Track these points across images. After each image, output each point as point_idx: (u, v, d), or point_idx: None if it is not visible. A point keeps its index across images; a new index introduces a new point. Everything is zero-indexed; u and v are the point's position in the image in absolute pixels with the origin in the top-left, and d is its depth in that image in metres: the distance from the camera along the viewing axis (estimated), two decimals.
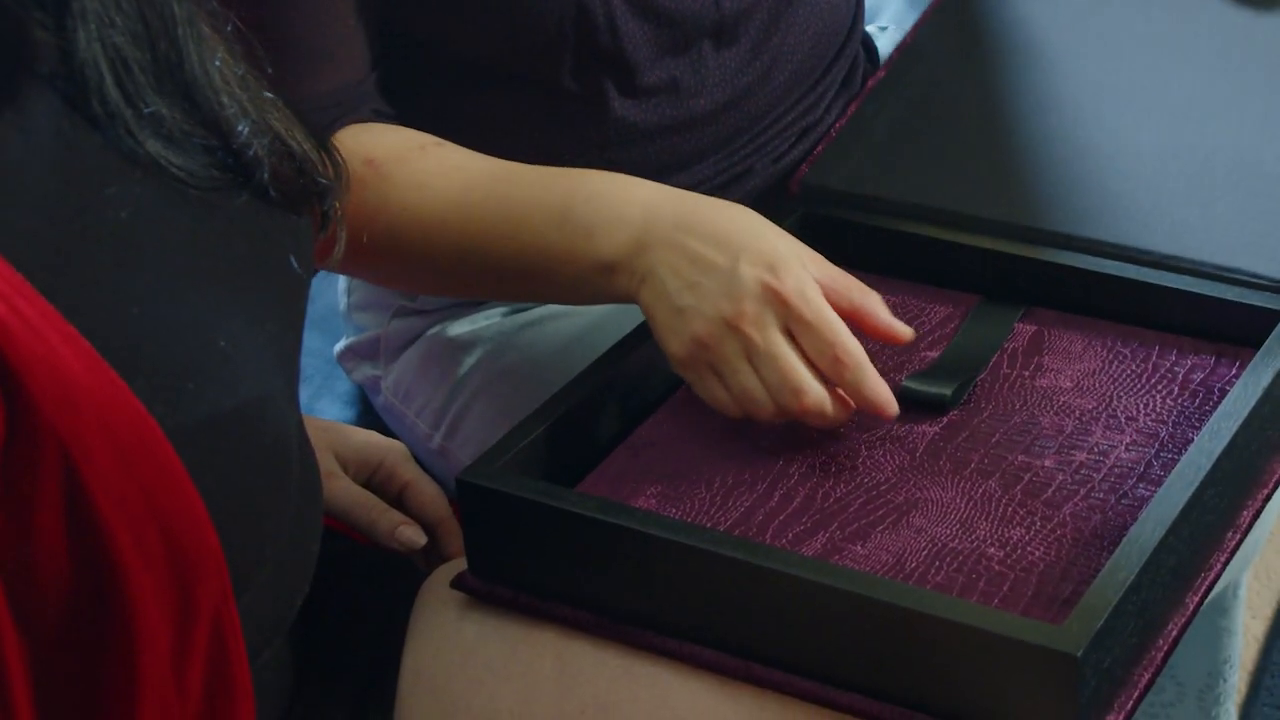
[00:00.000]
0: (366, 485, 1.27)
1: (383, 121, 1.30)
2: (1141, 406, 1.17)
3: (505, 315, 1.46)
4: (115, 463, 0.76)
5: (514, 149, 1.29)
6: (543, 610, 1.09)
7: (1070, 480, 1.11)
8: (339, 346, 1.56)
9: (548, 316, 1.44)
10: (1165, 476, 1.09)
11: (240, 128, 0.89)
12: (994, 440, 1.15)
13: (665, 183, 1.24)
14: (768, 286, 1.13)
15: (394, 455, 1.27)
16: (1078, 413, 1.17)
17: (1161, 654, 1.02)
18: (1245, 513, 1.12)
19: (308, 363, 1.62)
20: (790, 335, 1.13)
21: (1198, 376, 1.19)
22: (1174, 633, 1.04)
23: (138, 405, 0.77)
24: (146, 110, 0.85)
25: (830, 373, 1.13)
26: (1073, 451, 1.14)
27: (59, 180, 0.82)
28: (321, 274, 1.65)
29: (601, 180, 1.22)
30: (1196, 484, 1.04)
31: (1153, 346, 1.22)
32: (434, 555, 1.26)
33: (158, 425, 0.78)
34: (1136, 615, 1.00)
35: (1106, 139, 1.37)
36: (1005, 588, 1.04)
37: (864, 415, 1.16)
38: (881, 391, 1.13)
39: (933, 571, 1.05)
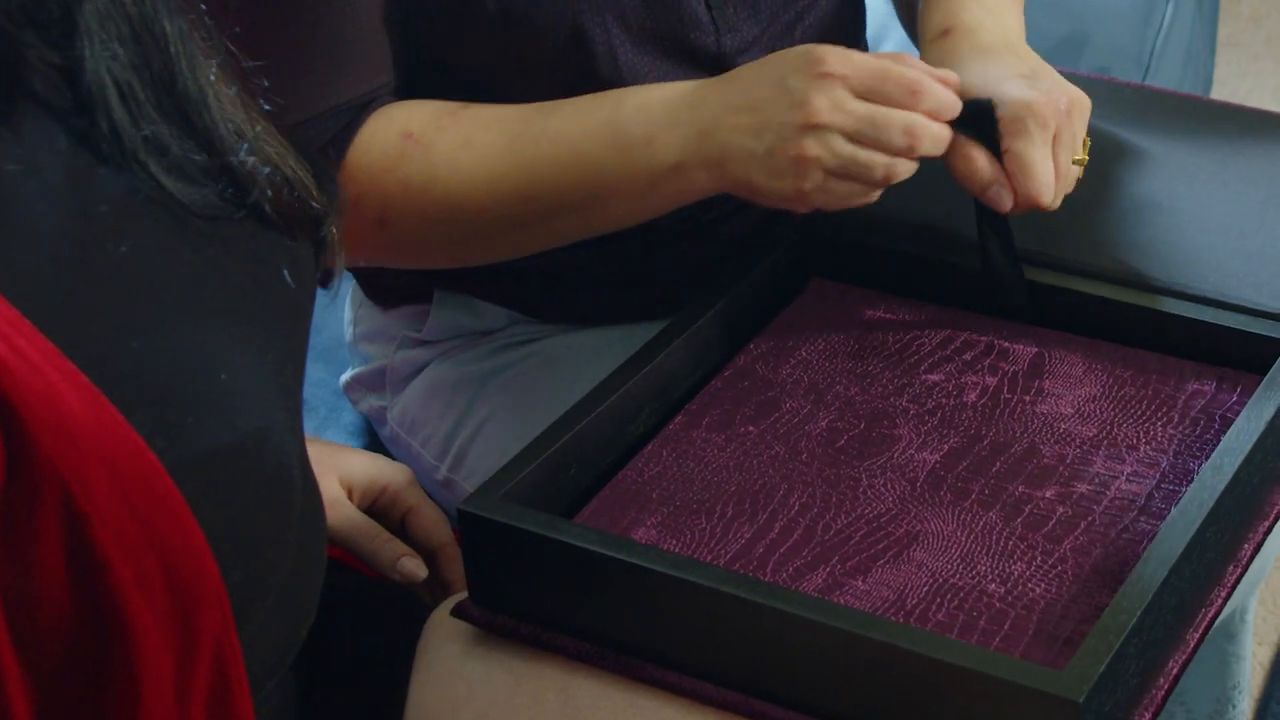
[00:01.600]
0: (371, 509, 1.27)
1: None
2: (1142, 435, 1.17)
3: (510, 346, 1.46)
4: (115, 498, 0.76)
5: None
6: (544, 640, 1.09)
7: (1071, 512, 1.11)
8: (345, 377, 1.57)
9: (552, 347, 1.45)
10: (1166, 509, 1.10)
11: (238, 146, 0.89)
12: (994, 469, 1.15)
13: (673, 212, 1.25)
14: (818, 76, 1.17)
15: (399, 480, 1.27)
16: (1078, 441, 1.17)
17: (1162, 693, 1.02)
18: (1246, 546, 1.11)
19: (313, 393, 1.62)
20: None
21: (1199, 403, 1.19)
22: (1175, 670, 1.03)
23: (137, 440, 0.77)
24: (148, 132, 0.85)
25: (913, 102, 1.17)
26: (1074, 482, 1.13)
27: (61, 216, 0.82)
28: (326, 305, 1.65)
29: (637, 93, 1.25)
30: (1199, 522, 1.04)
31: (1153, 371, 1.22)
32: (435, 581, 1.26)
33: (158, 460, 0.78)
34: (1138, 657, 0.99)
35: (1115, 168, 1.37)
36: (1006, 626, 1.03)
37: (865, 444, 1.16)
38: (950, 98, 1.19)
39: (934, 609, 1.05)
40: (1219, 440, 1.13)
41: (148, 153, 0.85)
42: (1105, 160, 1.40)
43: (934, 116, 1.18)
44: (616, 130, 1.23)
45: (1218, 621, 1.09)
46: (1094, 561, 1.07)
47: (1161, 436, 1.17)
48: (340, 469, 1.26)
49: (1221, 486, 1.06)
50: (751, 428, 1.20)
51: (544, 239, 1.33)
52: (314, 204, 0.96)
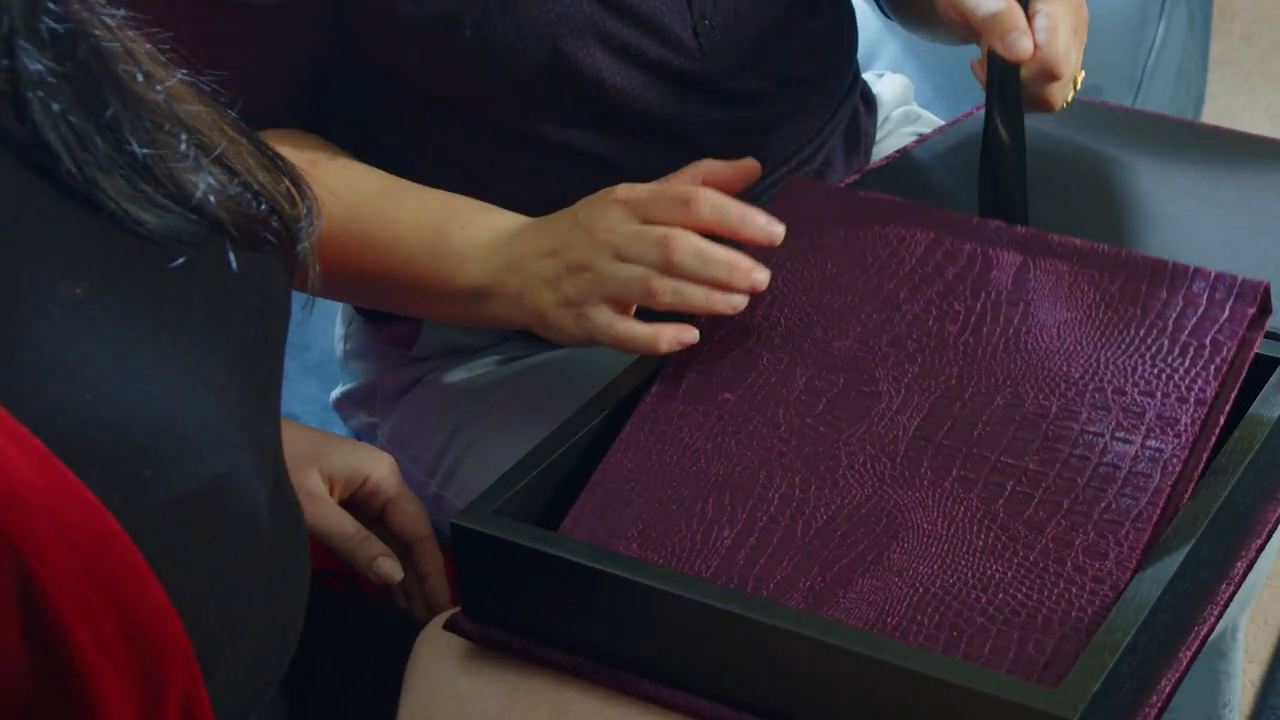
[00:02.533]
0: (351, 499, 1.27)
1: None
2: (1129, 373, 1.13)
3: (500, 363, 1.46)
4: (69, 560, 0.74)
5: (497, 196, 1.29)
6: (536, 655, 1.09)
7: (1053, 487, 1.09)
8: (335, 394, 1.57)
9: (543, 364, 1.45)
10: (1151, 475, 1.08)
11: (196, 166, 0.88)
12: (975, 434, 1.12)
13: None
14: (605, 203, 1.20)
15: (380, 470, 1.28)
16: (1064, 386, 1.13)
17: (1155, 710, 1.02)
18: (1239, 564, 1.11)
19: (304, 409, 1.62)
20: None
21: (1189, 321, 1.15)
22: (1168, 688, 1.03)
23: (91, 499, 0.76)
24: (103, 160, 0.84)
25: (688, 220, 1.17)
26: (1057, 445, 1.11)
27: (10, 260, 0.80)
28: (320, 321, 1.65)
29: (476, 211, 1.27)
30: (1193, 540, 1.04)
31: (1143, 279, 1.18)
32: (412, 573, 1.27)
33: (113, 518, 0.76)
34: (1131, 675, 0.99)
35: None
36: (986, 649, 1.03)
37: (844, 407, 1.15)
38: (732, 205, 1.18)
39: (914, 629, 1.04)
40: (1207, 372, 1.11)
41: (107, 181, 0.84)
42: (1097, 182, 1.41)
43: (713, 224, 1.18)
44: (439, 239, 1.27)
45: (1209, 640, 1.09)
46: (1074, 556, 1.06)
47: (1149, 374, 1.13)
48: (322, 461, 1.26)
49: (1216, 504, 1.06)
50: (729, 394, 1.18)
51: (372, 304, 1.41)
52: (287, 214, 0.94)
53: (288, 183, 0.95)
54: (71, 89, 0.83)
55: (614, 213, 1.19)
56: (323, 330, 1.65)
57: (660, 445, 1.17)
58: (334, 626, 1.20)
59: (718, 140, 1.37)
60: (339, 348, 1.55)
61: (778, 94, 1.40)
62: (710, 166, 1.25)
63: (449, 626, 1.12)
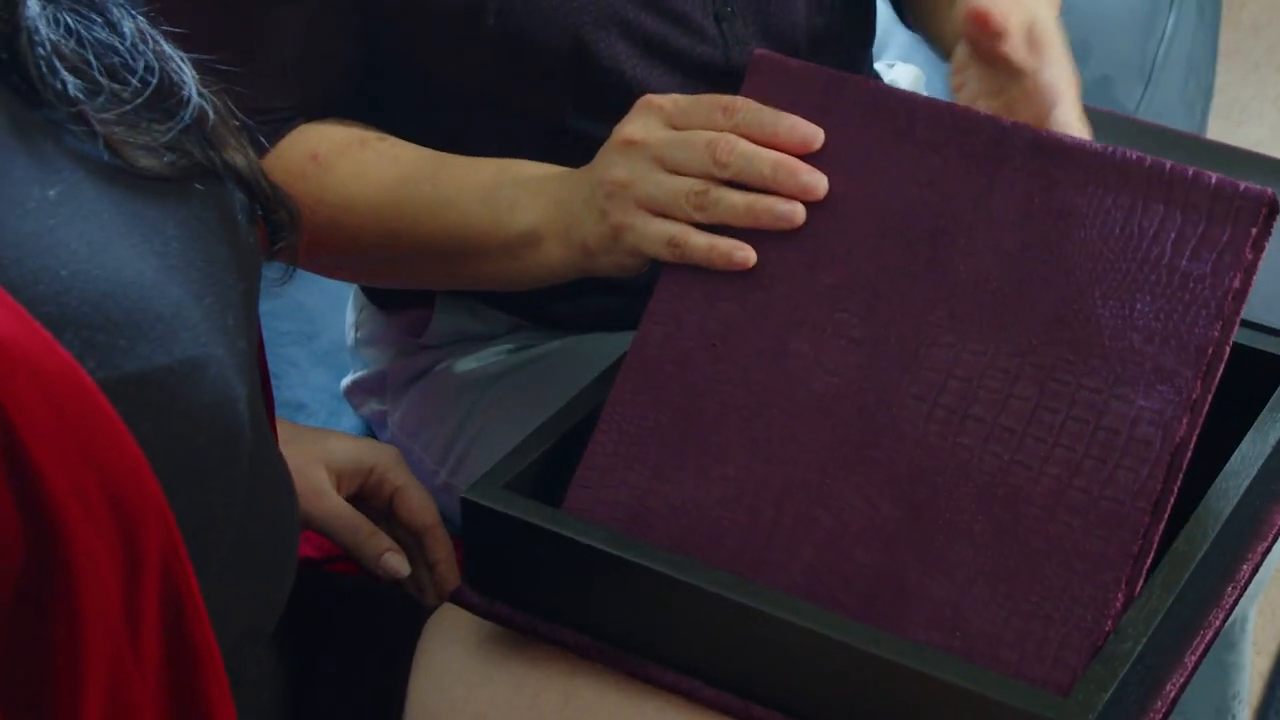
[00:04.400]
0: (359, 494, 1.28)
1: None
2: (1127, 314, 1.05)
3: (511, 352, 1.46)
4: (47, 410, 0.75)
5: None
6: (540, 631, 1.09)
7: (1050, 460, 1.04)
8: (346, 381, 1.57)
9: (553, 352, 1.45)
10: (1153, 437, 1.03)
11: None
12: (972, 390, 1.06)
13: None
14: (639, 112, 1.17)
15: (385, 460, 1.28)
16: (1061, 332, 1.06)
17: (1161, 715, 1.02)
18: (1244, 567, 1.11)
19: (314, 397, 1.62)
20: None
21: (1187, 248, 1.05)
22: (1173, 693, 1.03)
23: (66, 356, 0.76)
24: (106, 107, 0.85)
25: (725, 123, 1.14)
26: (1052, 407, 1.05)
27: None
28: (330, 309, 1.65)
29: (528, 165, 1.26)
30: (1204, 549, 1.03)
31: (1138, 198, 1.07)
32: (421, 561, 1.27)
33: (88, 376, 0.77)
34: (1137, 681, 0.99)
35: None
36: (995, 664, 1.02)
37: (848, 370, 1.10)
38: (768, 111, 1.14)
39: (926, 633, 1.04)
40: (1210, 316, 1.04)
41: (103, 122, 0.85)
42: None
43: (752, 129, 1.14)
44: (489, 192, 1.25)
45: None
46: (1089, 556, 1.02)
47: (1150, 312, 1.05)
48: (326, 457, 1.26)
49: (1228, 510, 1.05)
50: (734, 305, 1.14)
51: (419, 280, 1.38)
52: (277, 214, 0.96)
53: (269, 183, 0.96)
54: (71, 31, 0.84)
55: (652, 121, 1.17)
56: (333, 319, 1.65)
57: (657, 396, 1.14)
58: (343, 612, 1.21)
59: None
60: (350, 335, 1.55)
61: None
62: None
63: (454, 598, 1.12)
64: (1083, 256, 1.07)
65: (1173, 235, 1.06)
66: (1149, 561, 1.03)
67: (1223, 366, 1.05)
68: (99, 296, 0.81)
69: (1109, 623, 1.00)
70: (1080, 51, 2.24)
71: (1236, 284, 1.05)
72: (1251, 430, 1.12)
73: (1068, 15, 2.27)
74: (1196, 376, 1.04)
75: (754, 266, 1.13)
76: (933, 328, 1.09)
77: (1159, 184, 1.07)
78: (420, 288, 1.43)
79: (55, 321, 0.78)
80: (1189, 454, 1.04)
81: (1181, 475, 1.03)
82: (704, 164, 1.14)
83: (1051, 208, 1.08)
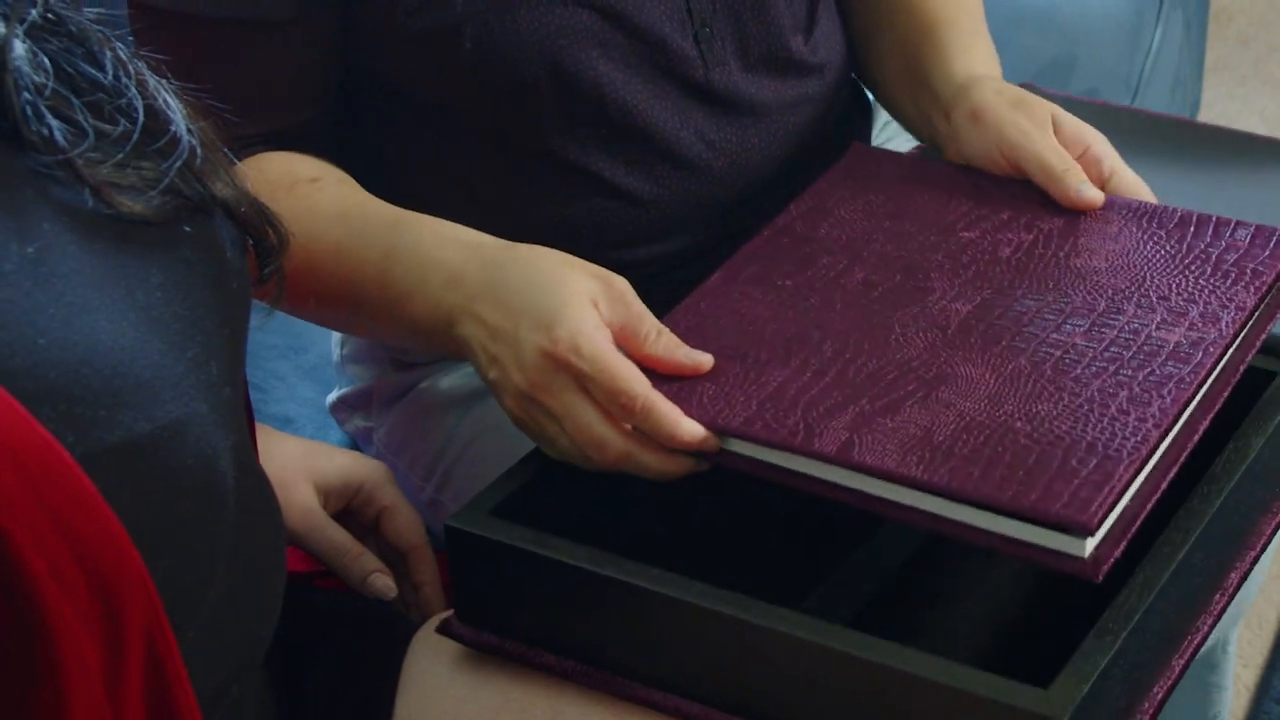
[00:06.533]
0: (346, 509, 1.27)
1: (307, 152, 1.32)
2: (1174, 285, 1.18)
3: None
4: (22, 490, 0.74)
5: (507, 219, 1.29)
6: (530, 659, 1.09)
7: (1100, 357, 1.12)
8: (331, 397, 1.57)
9: None
10: (1194, 354, 1.11)
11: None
12: (1026, 319, 1.16)
13: (669, 247, 1.25)
14: (545, 352, 1.12)
15: (374, 478, 1.28)
16: (1110, 292, 1.18)
17: (1148, 717, 1.02)
18: (1233, 575, 1.11)
19: (300, 413, 1.62)
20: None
21: (1231, 256, 1.20)
22: (1160, 696, 1.03)
23: (43, 433, 0.76)
24: (89, 148, 0.84)
25: (623, 419, 1.11)
26: (1103, 329, 1.14)
27: None
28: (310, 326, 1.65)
29: (419, 236, 1.22)
30: (1186, 547, 1.04)
31: (1188, 227, 1.23)
32: (407, 582, 1.27)
33: (65, 450, 0.76)
34: (1122, 680, 1.00)
35: None
36: (1031, 460, 1.04)
37: (900, 294, 1.19)
38: (679, 424, 1.10)
39: (959, 444, 1.05)
40: (1249, 291, 1.16)
41: (87, 166, 0.84)
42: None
43: (645, 431, 1.12)
44: (387, 275, 1.22)
45: (1201, 651, 1.09)
46: (1119, 402, 1.08)
47: (1192, 288, 1.17)
48: (314, 472, 1.26)
49: (1210, 511, 1.06)
50: (789, 281, 1.21)
51: (341, 328, 1.39)
52: (265, 243, 0.95)
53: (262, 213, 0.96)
54: (54, 70, 0.83)
55: (556, 374, 1.12)
56: (320, 333, 1.65)
57: (717, 312, 1.19)
58: (330, 626, 1.20)
59: (719, 155, 1.37)
60: (336, 351, 1.55)
61: (779, 102, 1.40)
62: (668, 358, 1.15)
63: (442, 630, 1.12)
64: (1134, 258, 1.21)
65: (1216, 252, 1.21)
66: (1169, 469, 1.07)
67: (1254, 351, 1.17)
68: (77, 364, 0.81)
69: (1133, 470, 1.03)
70: (1067, 65, 2.26)
71: (1273, 280, 1.18)
72: (1235, 434, 1.13)
73: (1055, 29, 2.28)
74: (1237, 321, 1.14)
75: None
76: (994, 284, 1.20)
77: (1205, 224, 1.23)
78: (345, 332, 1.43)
79: (33, 396, 0.77)
80: (1230, 385, 1.13)
81: (1210, 413, 1.12)
82: (585, 457, 1.13)
83: (1108, 232, 1.24)
